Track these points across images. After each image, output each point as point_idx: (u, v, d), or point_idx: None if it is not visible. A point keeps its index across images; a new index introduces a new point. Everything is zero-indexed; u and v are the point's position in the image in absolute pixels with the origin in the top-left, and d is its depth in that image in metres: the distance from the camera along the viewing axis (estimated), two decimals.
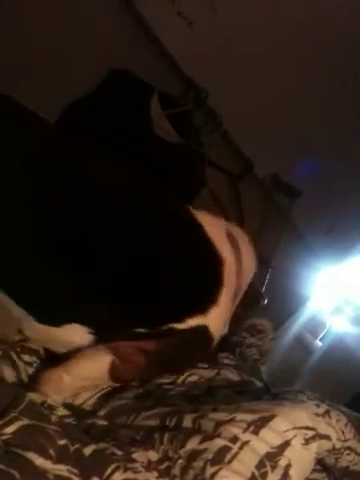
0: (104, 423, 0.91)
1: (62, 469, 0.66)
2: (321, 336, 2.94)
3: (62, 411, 0.86)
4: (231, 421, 0.78)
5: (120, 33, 2.09)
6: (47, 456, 0.66)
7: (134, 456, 0.74)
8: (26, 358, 0.97)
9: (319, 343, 2.94)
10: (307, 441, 0.77)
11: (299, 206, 2.72)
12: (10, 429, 0.67)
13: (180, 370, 1.18)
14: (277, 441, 0.75)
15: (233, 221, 2.57)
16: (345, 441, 0.87)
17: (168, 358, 1.04)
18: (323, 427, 0.82)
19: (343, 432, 0.87)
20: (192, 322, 1.03)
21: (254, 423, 0.76)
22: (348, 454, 0.90)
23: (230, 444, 0.74)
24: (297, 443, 0.76)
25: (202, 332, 1.06)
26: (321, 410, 0.87)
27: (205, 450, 0.74)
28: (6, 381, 0.89)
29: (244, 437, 0.74)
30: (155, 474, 0.72)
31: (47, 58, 1.94)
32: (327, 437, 0.81)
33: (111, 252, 0.94)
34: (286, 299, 2.73)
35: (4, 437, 0.67)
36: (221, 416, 0.81)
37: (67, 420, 0.85)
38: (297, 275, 2.71)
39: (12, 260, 0.86)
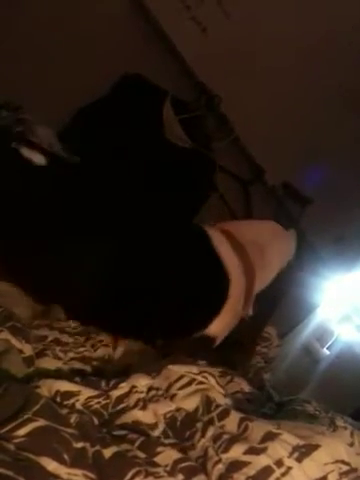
0: (144, 390, 0.93)
1: (77, 474, 0.64)
2: (329, 344, 2.92)
3: (87, 392, 0.85)
4: (277, 438, 0.78)
5: (133, 37, 2.10)
6: (61, 460, 0.65)
7: (157, 459, 0.73)
8: (45, 333, 1.06)
9: (327, 351, 2.91)
10: (341, 476, 0.78)
11: (309, 214, 2.71)
12: (22, 431, 0.66)
13: None
14: (317, 474, 0.75)
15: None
16: None
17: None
18: (355, 460, 0.83)
19: None
20: (195, 334, 1.24)
21: (299, 449, 0.77)
22: None
23: (274, 466, 0.74)
24: (333, 478, 0.77)
25: (204, 339, 1.26)
26: (348, 433, 0.87)
27: (248, 464, 0.74)
28: (24, 353, 0.92)
29: (288, 462, 0.75)
30: (180, 477, 0.71)
31: (60, 62, 1.95)
32: (356, 470, 0.82)
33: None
34: (294, 306, 2.71)
35: (16, 440, 0.65)
36: (268, 427, 0.81)
37: (93, 402, 0.84)
38: (305, 282, 2.70)
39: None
